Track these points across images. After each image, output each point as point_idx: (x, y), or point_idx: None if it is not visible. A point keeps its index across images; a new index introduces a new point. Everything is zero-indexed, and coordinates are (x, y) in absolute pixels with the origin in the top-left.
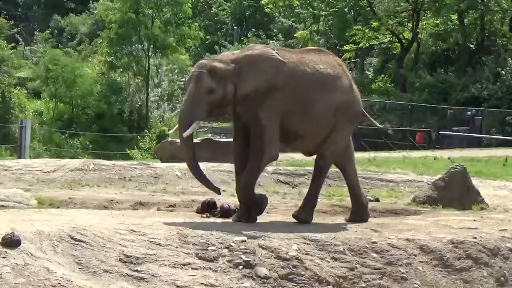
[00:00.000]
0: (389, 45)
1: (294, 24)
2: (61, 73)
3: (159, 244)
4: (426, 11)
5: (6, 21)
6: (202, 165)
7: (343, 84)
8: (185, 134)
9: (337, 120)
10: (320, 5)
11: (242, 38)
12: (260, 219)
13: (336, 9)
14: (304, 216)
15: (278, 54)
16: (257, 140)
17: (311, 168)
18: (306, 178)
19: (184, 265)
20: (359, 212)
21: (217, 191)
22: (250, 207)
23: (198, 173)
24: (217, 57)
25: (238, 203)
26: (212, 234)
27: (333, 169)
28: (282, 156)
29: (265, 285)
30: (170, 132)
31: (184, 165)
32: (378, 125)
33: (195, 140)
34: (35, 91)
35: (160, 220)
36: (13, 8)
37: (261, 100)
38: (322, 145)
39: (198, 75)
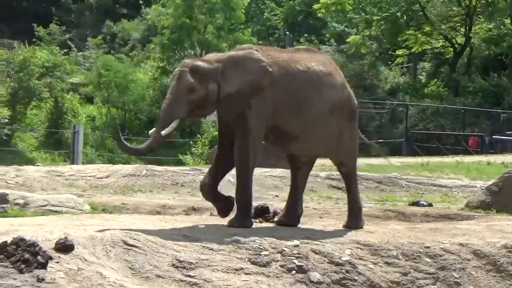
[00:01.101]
0: (442, 50)
1: (346, 29)
2: (113, 78)
3: (212, 249)
4: (479, 16)
5: (59, 27)
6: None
7: (336, 81)
8: (163, 133)
9: (338, 121)
10: (373, 9)
11: (294, 43)
12: (313, 223)
13: (389, 14)
14: (355, 223)
15: (263, 54)
16: (242, 140)
17: (364, 173)
18: (358, 183)
19: (236, 270)
20: (291, 217)
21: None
22: (247, 211)
23: (128, 149)
24: (203, 57)
25: None
26: (265, 239)
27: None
28: None
29: None
30: (150, 132)
31: None
32: (365, 139)
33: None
34: (88, 97)
35: (213, 225)
36: (66, 14)
37: (246, 100)
38: (337, 153)
39: (180, 73)
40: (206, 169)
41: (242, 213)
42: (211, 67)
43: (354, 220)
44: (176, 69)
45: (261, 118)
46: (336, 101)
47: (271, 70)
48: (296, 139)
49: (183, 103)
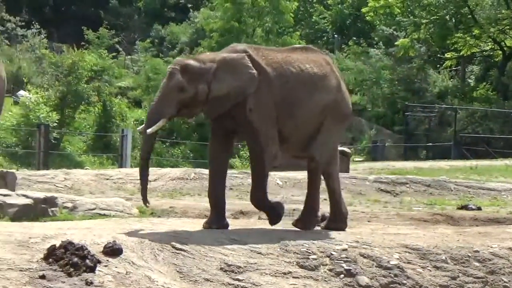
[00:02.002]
0: (491, 53)
1: (395, 32)
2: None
3: (260, 253)
4: None
5: (107, 31)
6: (302, 174)
7: (330, 83)
8: (149, 131)
9: (325, 119)
10: (421, 13)
11: (343, 46)
12: (361, 227)
13: (437, 17)
14: (303, 225)
15: (253, 57)
16: (253, 144)
17: (413, 177)
18: (407, 187)
19: (285, 274)
20: (336, 220)
21: (145, 202)
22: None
23: (143, 173)
24: (196, 56)
25: None
26: (313, 243)
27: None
28: (383, 164)
29: None
30: (139, 129)
31: (284, 174)
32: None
33: None
34: (136, 100)
35: (261, 229)
36: (114, 18)
37: (229, 104)
38: (310, 147)
39: (171, 72)
40: None
41: (272, 216)
42: (202, 67)
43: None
44: (169, 67)
45: (267, 117)
46: (328, 103)
47: (257, 77)
48: (286, 140)
49: (171, 102)
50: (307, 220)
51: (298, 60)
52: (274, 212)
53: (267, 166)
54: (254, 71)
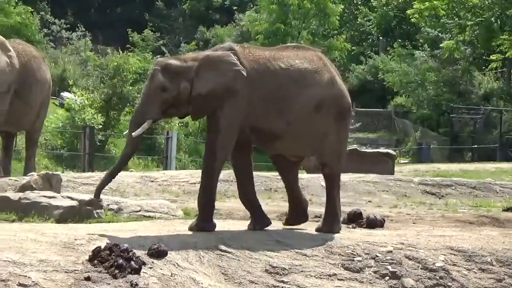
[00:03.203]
0: None
1: (440, 34)
2: None
3: (305, 255)
4: None
5: (152, 33)
6: (347, 176)
7: (322, 78)
8: (134, 134)
9: (324, 120)
10: (466, 14)
11: (388, 49)
12: (406, 229)
13: (482, 19)
14: (328, 228)
15: (239, 55)
16: (211, 140)
17: (458, 179)
18: (452, 189)
19: (330, 276)
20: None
21: (97, 197)
22: (209, 213)
23: (114, 171)
24: (180, 56)
25: (385, 213)
26: (358, 245)
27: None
28: (428, 166)
29: None
30: (125, 133)
31: None
32: None
33: None
34: None
35: (306, 230)
36: (159, 20)
37: (216, 102)
38: (319, 154)
39: (153, 72)
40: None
41: (203, 215)
42: (183, 66)
43: (328, 225)
44: (150, 69)
45: (233, 119)
46: (321, 99)
47: (244, 74)
48: (279, 138)
49: (155, 103)
50: (329, 225)
51: (287, 56)
52: (205, 221)
53: (217, 166)
54: (240, 67)
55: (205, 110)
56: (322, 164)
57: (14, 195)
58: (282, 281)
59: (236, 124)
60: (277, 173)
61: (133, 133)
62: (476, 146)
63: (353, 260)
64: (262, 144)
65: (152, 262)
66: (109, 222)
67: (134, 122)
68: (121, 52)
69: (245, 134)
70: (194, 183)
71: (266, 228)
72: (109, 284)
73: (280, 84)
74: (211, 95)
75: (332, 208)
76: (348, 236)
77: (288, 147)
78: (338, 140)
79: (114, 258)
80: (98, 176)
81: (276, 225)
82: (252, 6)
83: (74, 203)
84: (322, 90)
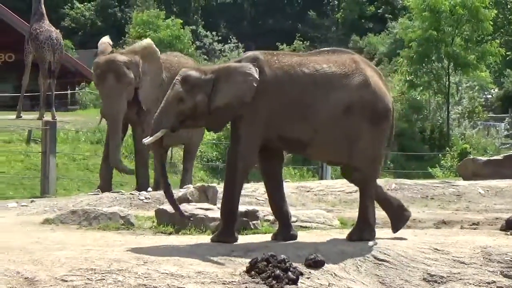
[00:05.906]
0: None
1: None
2: None
3: (463, 263)
4: None
5: (301, 43)
6: (505, 182)
7: (352, 81)
8: (146, 142)
9: (355, 124)
10: None
11: None
12: None
13: None
14: (358, 235)
15: (263, 63)
16: (232, 151)
17: None
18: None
19: (489, 283)
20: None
21: (177, 210)
22: (230, 225)
23: (166, 192)
24: (201, 67)
25: None
26: None
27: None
28: None
29: None
30: (143, 141)
31: (487, 183)
32: None
33: (497, 157)
34: None
35: (463, 238)
36: (312, 30)
37: (232, 114)
38: (350, 156)
39: (174, 83)
40: (455, 182)
41: (224, 226)
42: (201, 78)
43: (358, 233)
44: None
45: (252, 130)
46: (350, 103)
47: (255, 84)
48: (308, 145)
49: (171, 113)
50: (359, 233)
51: (315, 61)
52: (226, 234)
53: (238, 176)
54: (252, 78)
55: (222, 123)
56: (353, 169)
57: (171, 208)
58: None
59: (256, 134)
60: (433, 181)
61: (144, 141)
62: None
63: None
64: (294, 151)
65: (310, 272)
66: (265, 233)
67: (151, 129)
68: None
69: (273, 142)
70: (351, 192)
71: (290, 241)
72: None
73: (304, 90)
74: (228, 108)
75: (364, 216)
76: (507, 243)
77: (320, 152)
78: (371, 145)
79: (271, 269)
80: (254, 187)
81: (433, 233)
82: (405, 13)
83: None
84: (351, 94)
